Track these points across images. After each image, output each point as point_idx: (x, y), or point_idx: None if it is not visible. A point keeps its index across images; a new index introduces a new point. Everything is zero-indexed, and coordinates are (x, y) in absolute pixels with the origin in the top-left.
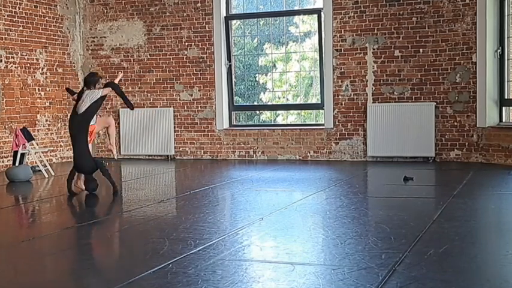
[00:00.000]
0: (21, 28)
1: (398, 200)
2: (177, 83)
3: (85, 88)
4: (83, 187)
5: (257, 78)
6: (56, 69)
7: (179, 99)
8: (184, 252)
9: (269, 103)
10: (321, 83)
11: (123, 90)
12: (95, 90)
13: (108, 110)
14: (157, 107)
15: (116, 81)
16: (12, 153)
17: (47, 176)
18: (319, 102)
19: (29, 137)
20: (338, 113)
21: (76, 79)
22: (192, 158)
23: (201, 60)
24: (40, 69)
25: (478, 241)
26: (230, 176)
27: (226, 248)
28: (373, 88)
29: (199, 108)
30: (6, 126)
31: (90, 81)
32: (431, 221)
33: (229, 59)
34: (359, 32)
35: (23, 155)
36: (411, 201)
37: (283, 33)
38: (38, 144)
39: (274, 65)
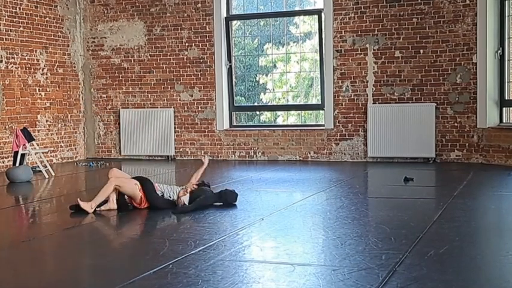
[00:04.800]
0: (21, 28)
1: (398, 201)
2: (178, 83)
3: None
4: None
5: (257, 79)
6: (56, 69)
7: (179, 100)
8: (185, 253)
9: (269, 104)
10: (321, 83)
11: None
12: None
13: (108, 110)
14: (157, 107)
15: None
16: (12, 154)
17: (47, 176)
18: (320, 102)
19: (30, 138)
20: (338, 114)
21: (76, 79)
22: (192, 158)
23: (201, 60)
24: (40, 70)
25: (478, 241)
26: (230, 176)
27: (227, 248)
28: (374, 89)
29: (200, 109)
30: (7, 127)
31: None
32: (432, 222)
33: (229, 59)
34: (359, 33)
35: (23, 155)
36: (411, 202)
37: (284, 34)
38: (38, 145)
39: (275, 66)
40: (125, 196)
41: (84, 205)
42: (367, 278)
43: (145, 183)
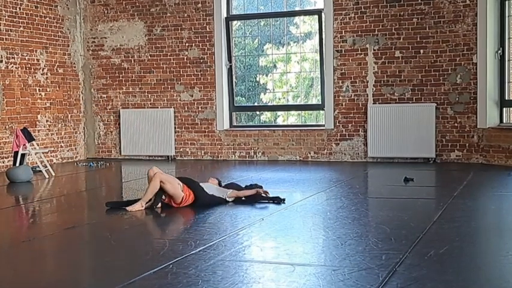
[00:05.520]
0: (21, 28)
1: (398, 201)
2: (178, 83)
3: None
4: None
5: (257, 79)
6: (56, 69)
7: (180, 100)
8: (185, 253)
9: (269, 104)
10: (322, 83)
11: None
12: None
13: (108, 110)
14: (157, 107)
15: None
16: (12, 154)
17: (47, 176)
18: (320, 103)
19: (30, 138)
20: (338, 114)
21: (77, 79)
22: (192, 158)
23: (201, 60)
24: (41, 70)
25: (478, 242)
26: (230, 176)
27: (227, 248)
28: (374, 89)
29: (200, 109)
30: (7, 127)
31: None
32: (432, 222)
33: (229, 59)
34: (359, 33)
35: (23, 155)
36: (412, 202)
37: (284, 34)
38: (38, 145)
39: (275, 66)
40: (162, 196)
41: (134, 208)
42: (367, 278)
43: (193, 184)
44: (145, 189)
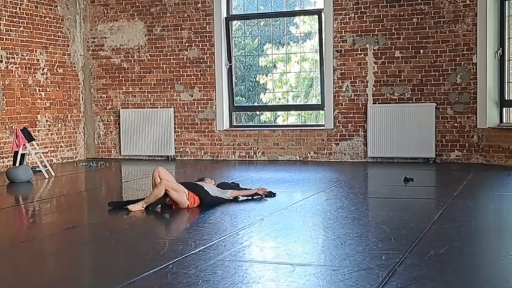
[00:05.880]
0: (21, 28)
1: (398, 201)
2: (178, 83)
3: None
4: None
5: (257, 79)
6: (56, 69)
7: (179, 100)
8: (185, 253)
9: (269, 104)
10: (322, 83)
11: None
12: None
13: (108, 110)
14: (157, 107)
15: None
16: (12, 154)
17: (47, 176)
18: (320, 103)
19: (30, 138)
20: (338, 114)
21: (76, 79)
22: (192, 158)
23: (201, 60)
24: (40, 70)
25: (478, 242)
26: (230, 176)
27: (227, 248)
28: (374, 89)
29: (200, 109)
30: (7, 127)
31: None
32: (432, 222)
33: (229, 59)
34: (359, 33)
35: (23, 155)
36: (411, 202)
37: (284, 34)
38: (38, 145)
39: (275, 66)
40: (167, 199)
41: (135, 207)
42: (367, 278)
43: (197, 188)
44: (150, 192)
